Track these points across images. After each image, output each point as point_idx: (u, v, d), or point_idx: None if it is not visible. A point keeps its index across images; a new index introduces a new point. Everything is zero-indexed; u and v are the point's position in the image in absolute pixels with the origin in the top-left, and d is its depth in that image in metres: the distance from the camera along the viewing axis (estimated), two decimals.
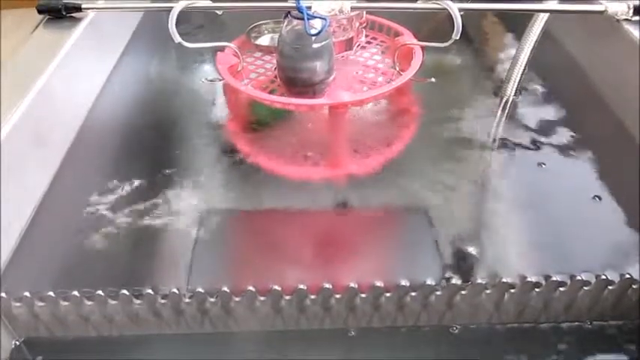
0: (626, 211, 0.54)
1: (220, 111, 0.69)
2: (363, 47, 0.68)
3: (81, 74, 0.67)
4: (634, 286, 0.45)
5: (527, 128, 0.65)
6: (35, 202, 0.55)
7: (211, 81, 0.65)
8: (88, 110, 0.67)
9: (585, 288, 0.45)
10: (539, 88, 0.72)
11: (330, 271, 0.51)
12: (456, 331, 0.46)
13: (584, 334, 0.46)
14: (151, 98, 0.73)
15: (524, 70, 0.67)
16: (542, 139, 0.63)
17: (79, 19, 0.69)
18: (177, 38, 0.57)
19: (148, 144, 0.65)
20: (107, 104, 0.70)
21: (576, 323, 0.46)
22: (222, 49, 0.64)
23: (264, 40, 0.69)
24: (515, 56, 0.67)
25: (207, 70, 0.76)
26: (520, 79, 0.68)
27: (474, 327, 0.46)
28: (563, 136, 0.64)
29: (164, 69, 0.79)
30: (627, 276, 0.45)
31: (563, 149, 0.62)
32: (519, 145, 0.63)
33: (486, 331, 0.46)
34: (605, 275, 0.45)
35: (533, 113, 0.68)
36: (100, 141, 0.65)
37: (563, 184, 0.58)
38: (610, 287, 0.45)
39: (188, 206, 0.55)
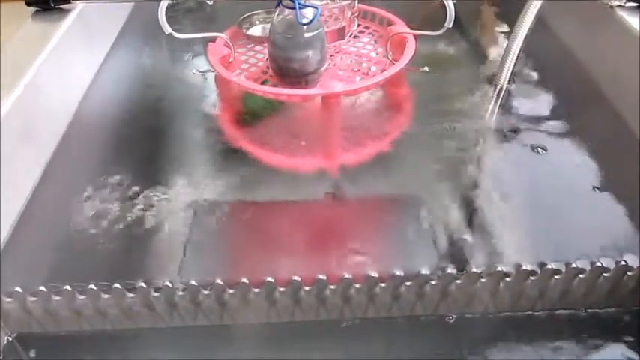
0: (622, 200, 0.54)
1: (212, 102, 0.68)
2: (356, 36, 0.68)
3: (70, 66, 0.67)
4: (629, 273, 0.45)
5: (520, 116, 0.65)
6: (26, 195, 0.54)
7: (203, 72, 0.65)
8: (78, 103, 0.67)
9: (580, 275, 0.45)
10: (533, 76, 0.71)
11: (324, 262, 0.50)
12: (452, 320, 0.46)
13: (579, 322, 0.46)
14: (141, 90, 0.72)
15: (517, 57, 0.67)
16: (535, 127, 0.63)
17: (67, 11, 0.68)
18: (168, 29, 0.56)
19: (139, 136, 0.64)
20: (98, 96, 0.69)
21: (572, 311, 0.46)
22: (213, 40, 0.63)
23: (256, 31, 0.69)
24: (509, 44, 0.67)
25: (198, 61, 0.76)
26: (514, 67, 0.68)
27: (470, 316, 0.46)
28: (557, 124, 0.64)
29: (155, 60, 0.78)
30: (622, 263, 0.45)
31: (557, 137, 0.62)
32: (512, 133, 0.62)
33: (482, 320, 0.46)
34: (601, 262, 0.44)
35: (527, 101, 0.67)
36: (91, 133, 0.65)
37: (555, 173, 0.58)
38: (605, 274, 0.45)
39: (180, 198, 0.55)
